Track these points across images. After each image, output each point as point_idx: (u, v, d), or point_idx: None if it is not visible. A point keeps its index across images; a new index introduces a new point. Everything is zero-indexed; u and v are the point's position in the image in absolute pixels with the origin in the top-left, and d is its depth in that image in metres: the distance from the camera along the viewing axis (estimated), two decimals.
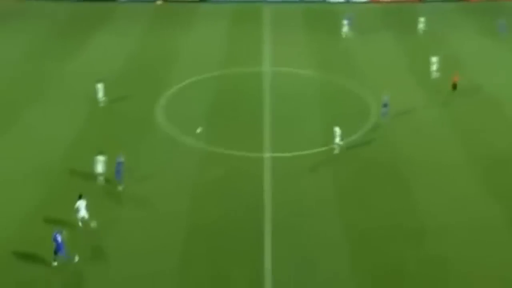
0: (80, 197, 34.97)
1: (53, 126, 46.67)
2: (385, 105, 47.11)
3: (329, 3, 79.01)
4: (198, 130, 29.69)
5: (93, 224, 34.87)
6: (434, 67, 54.51)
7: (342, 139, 42.28)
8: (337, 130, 42.05)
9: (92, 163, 38.90)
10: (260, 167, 40.92)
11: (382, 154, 42.96)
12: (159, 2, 78.35)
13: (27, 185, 39.05)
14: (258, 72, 56.44)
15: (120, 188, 38.24)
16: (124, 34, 66.20)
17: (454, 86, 51.56)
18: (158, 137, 45.01)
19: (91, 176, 39.02)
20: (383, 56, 60.77)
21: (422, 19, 67.55)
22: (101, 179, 38.79)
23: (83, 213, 34.71)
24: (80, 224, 34.90)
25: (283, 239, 34.39)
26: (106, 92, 49.72)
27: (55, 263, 32.04)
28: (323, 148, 43.17)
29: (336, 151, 42.53)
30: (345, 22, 65.73)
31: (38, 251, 33.16)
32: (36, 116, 48.03)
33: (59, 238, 31.73)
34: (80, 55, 60.23)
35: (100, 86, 49.19)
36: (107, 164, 38.62)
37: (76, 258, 32.36)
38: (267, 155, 42.00)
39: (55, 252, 31.91)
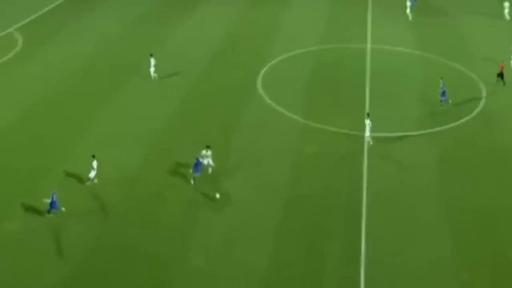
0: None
1: (159, 91, 48.08)
2: (443, 93, 45.06)
3: None
4: (217, 196, 32.22)
5: (218, 195, 35.53)
6: None
7: (370, 133, 40.02)
8: (368, 122, 39.87)
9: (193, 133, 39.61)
10: (359, 145, 40.58)
11: (489, 136, 41.82)
12: None
13: (133, 145, 40.41)
14: (360, 49, 55.73)
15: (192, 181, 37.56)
16: (228, 6, 67.09)
17: (501, 75, 48.99)
18: (258, 107, 45.36)
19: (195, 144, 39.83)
20: (481, 38, 59.08)
21: (507, 4, 64.91)
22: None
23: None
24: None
25: (381, 218, 33.99)
26: (207, 61, 50.49)
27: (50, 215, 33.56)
28: (426, 130, 42.37)
29: (370, 143, 40.25)
30: (408, 3, 64.33)
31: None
32: (140, 82, 49.53)
33: (54, 197, 33.48)
34: (186, 23, 61.80)
35: (152, 61, 48.73)
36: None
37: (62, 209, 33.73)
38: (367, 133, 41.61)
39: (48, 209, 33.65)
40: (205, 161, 37.26)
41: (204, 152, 37.40)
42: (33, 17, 62.65)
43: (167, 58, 52.94)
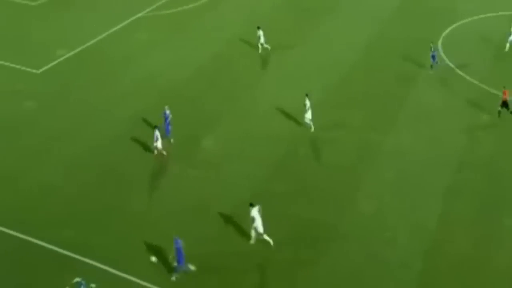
0: None
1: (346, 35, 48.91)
2: (433, 56, 43.58)
3: None
4: (153, 259, 27.55)
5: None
6: None
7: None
8: (307, 103, 36.78)
9: None
10: None
11: None
12: None
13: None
14: None
15: None
16: None
17: (505, 104, 38.36)
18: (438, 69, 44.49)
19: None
20: None
21: None
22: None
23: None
24: None
25: None
26: (389, 19, 49.69)
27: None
28: None
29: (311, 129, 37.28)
30: None
31: None
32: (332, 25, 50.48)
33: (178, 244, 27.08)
34: None
35: (261, 33, 46.57)
36: None
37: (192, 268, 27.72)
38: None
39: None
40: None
41: None
42: None
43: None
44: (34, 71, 44.65)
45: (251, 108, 40.02)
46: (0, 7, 55.28)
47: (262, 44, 46.68)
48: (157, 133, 34.74)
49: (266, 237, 28.66)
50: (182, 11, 54.08)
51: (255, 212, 28.54)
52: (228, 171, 34.32)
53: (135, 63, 45.65)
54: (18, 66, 45.09)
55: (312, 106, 36.68)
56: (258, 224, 28.45)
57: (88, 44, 48.20)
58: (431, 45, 44.51)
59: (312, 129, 37.06)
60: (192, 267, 27.20)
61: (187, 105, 40.16)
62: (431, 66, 44.06)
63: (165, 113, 36.56)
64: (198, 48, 47.72)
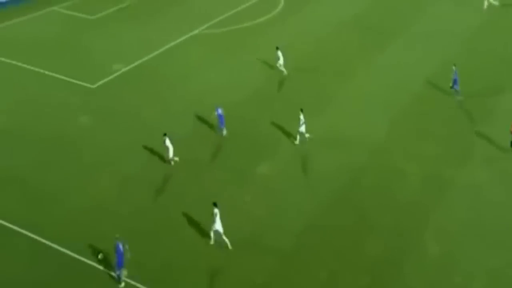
0: None
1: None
2: (455, 82, 40.69)
3: None
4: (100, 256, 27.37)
5: None
6: None
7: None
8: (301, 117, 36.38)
9: None
10: None
11: None
12: None
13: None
14: None
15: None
16: None
17: None
18: None
19: None
20: None
21: None
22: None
23: None
24: None
25: None
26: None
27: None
28: None
29: (297, 142, 36.97)
30: None
31: None
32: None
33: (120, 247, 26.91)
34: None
35: (279, 54, 44.43)
36: None
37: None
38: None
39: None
40: None
41: None
42: None
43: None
44: (89, 85, 43.78)
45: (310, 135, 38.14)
46: (59, 20, 55.00)
47: (279, 66, 44.64)
48: (167, 141, 34.44)
49: (225, 238, 28.99)
50: (239, 29, 52.83)
51: (216, 212, 28.82)
52: (283, 199, 32.48)
53: (190, 81, 44.41)
54: (74, 80, 44.31)
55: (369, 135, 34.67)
56: (218, 225, 28.84)
57: (144, 59, 47.25)
58: (454, 67, 41.58)
59: (297, 142, 36.65)
60: (124, 273, 27.00)
61: (242, 127, 38.61)
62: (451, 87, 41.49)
63: (217, 110, 37.26)
64: (255, 69, 46.21)
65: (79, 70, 45.79)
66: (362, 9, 56.83)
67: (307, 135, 36.71)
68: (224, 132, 37.59)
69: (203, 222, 30.42)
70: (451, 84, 41.12)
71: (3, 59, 47.45)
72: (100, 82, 44.14)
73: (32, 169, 34.89)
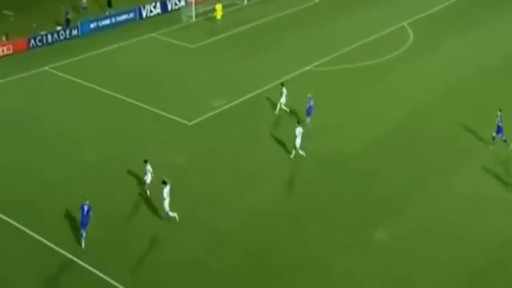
0: None
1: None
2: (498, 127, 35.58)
3: None
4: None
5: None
6: None
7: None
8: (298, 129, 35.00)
9: None
10: None
11: None
12: None
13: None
14: None
15: None
16: None
17: None
18: None
19: None
20: None
21: None
22: None
23: None
24: None
25: None
26: None
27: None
28: None
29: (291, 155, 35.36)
30: None
31: None
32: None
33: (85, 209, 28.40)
34: None
35: (284, 91, 40.06)
36: None
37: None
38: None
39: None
40: None
41: None
42: (422, 15, 57.88)
43: None
44: (186, 122, 39.40)
45: (444, 200, 32.20)
46: (157, 48, 51.16)
47: (280, 104, 40.13)
48: (148, 167, 32.08)
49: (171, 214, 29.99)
50: (356, 68, 47.15)
51: (166, 190, 29.66)
52: (407, 275, 26.96)
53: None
54: (169, 115, 40.05)
55: None
56: (166, 202, 29.74)
57: (247, 96, 42.44)
58: (499, 113, 35.80)
59: (292, 156, 35.20)
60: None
61: (357, 182, 33.56)
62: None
63: (310, 100, 38.03)
64: (373, 113, 40.69)
65: (175, 103, 41.55)
66: None
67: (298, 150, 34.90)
68: (308, 120, 38.01)
69: None
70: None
71: (95, 86, 43.80)
72: (198, 120, 39.68)
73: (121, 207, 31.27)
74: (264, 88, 43.46)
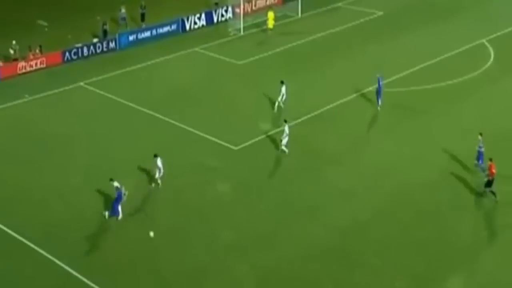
0: None
1: None
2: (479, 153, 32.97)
3: None
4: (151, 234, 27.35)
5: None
6: None
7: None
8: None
9: None
10: None
11: None
12: None
13: None
14: None
15: None
16: None
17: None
18: None
19: None
20: None
21: None
22: None
23: None
24: None
25: None
26: None
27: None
28: None
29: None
30: None
31: None
32: None
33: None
34: None
35: (283, 89, 39.10)
36: None
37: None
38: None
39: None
40: None
41: None
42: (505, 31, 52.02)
43: None
44: (231, 146, 35.45)
45: None
46: (202, 64, 47.03)
47: (279, 102, 38.92)
48: (159, 162, 31.64)
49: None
50: (425, 90, 42.17)
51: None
52: None
53: (356, 155, 35.14)
54: (212, 138, 36.18)
55: None
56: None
57: (299, 120, 38.15)
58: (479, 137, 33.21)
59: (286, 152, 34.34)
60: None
61: (423, 223, 29.57)
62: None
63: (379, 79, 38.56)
64: (441, 143, 35.95)
65: (219, 125, 37.73)
66: None
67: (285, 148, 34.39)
68: (379, 103, 38.85)
69: None
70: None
71: (132, 104, 40.10)
72: (244, 144, 35.71)
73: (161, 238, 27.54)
74: (318, 111, 39.28)
